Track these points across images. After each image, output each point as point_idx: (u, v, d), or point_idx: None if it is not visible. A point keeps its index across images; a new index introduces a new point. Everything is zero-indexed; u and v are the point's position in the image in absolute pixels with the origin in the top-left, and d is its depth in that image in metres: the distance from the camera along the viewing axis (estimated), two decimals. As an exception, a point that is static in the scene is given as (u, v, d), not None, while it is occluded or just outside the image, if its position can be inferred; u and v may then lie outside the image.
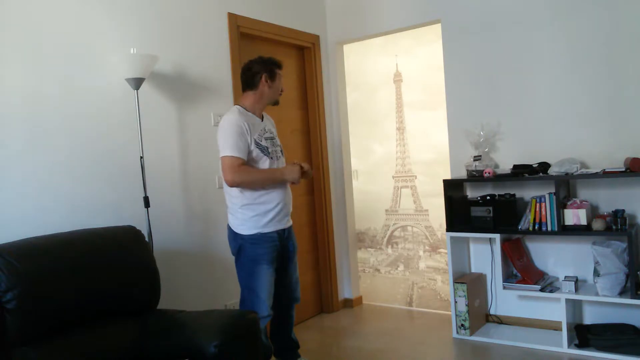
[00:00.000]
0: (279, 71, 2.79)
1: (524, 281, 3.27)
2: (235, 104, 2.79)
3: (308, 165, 2.81)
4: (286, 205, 2.78)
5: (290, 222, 2.85)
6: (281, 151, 2.85)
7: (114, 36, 2.74)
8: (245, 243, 2.67)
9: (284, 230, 2.78)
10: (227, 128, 2.60)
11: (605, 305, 3.22)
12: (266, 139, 2.73)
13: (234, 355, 2.17)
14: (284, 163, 2.84)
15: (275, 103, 2.88)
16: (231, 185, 2.61)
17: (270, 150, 2.73)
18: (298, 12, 3.99)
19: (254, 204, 2.66)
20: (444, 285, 4.67)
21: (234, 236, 2.72)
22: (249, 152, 2.63)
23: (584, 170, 3.10)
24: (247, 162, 2.63)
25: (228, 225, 2.77)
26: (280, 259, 2.79)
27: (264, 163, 2.69)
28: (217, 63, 3.32)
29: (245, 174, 2.59)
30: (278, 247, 2.75)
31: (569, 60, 3.28)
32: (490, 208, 3.32)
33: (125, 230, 2.44)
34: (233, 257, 2.78)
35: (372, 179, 5.34)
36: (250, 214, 2.66)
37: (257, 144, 2.66)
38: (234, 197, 2.68)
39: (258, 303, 2.66)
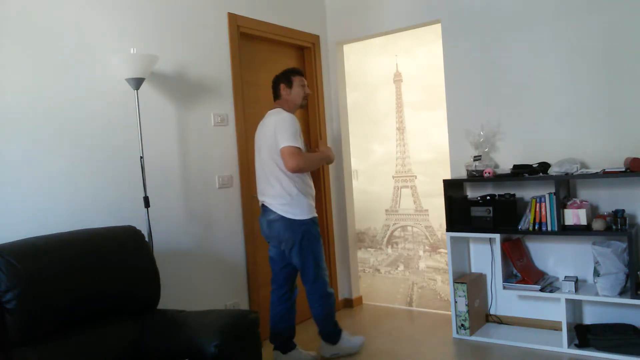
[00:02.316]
0: (295, 77, 3.07)
1: (524, 281, 3.28)
2: (275, 108, 3.07)
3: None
4: None
5: None
6: None
7: (114, 36, 2.74)
8: (309, 226, 2.96)
9: None
10: (289, 122, 2.88)
11: (605, 305, 3.22)
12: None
13: (234, 355, 2.17)
14: None
15: (302, 106, 3.15)
16: (295, 171, 2.86)
17: (305, 149, 3.04)
18: (298, 12, 3.99)
19: (306, 193, 2.98)
20: (444, 285, 4.67)
21: (291, 225, 2.93)
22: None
23: (584, 170, 3.10)
24: None
25: (280, 218, 2.94)
26: None
27: None
28: (217, 63, 3.32)
29: (307, 159, 2.91)
30: None
31: (568, 60, 3.28)
32: (490, 208, 3.32)
33: (125, 230, 2.44)
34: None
35: (372, 179, 5.33)
36: (306, 200, 2.97)
37: (303, 143, 2.95)
38: (290, 188, 2.92)
39: (327, 279, 3.07)
